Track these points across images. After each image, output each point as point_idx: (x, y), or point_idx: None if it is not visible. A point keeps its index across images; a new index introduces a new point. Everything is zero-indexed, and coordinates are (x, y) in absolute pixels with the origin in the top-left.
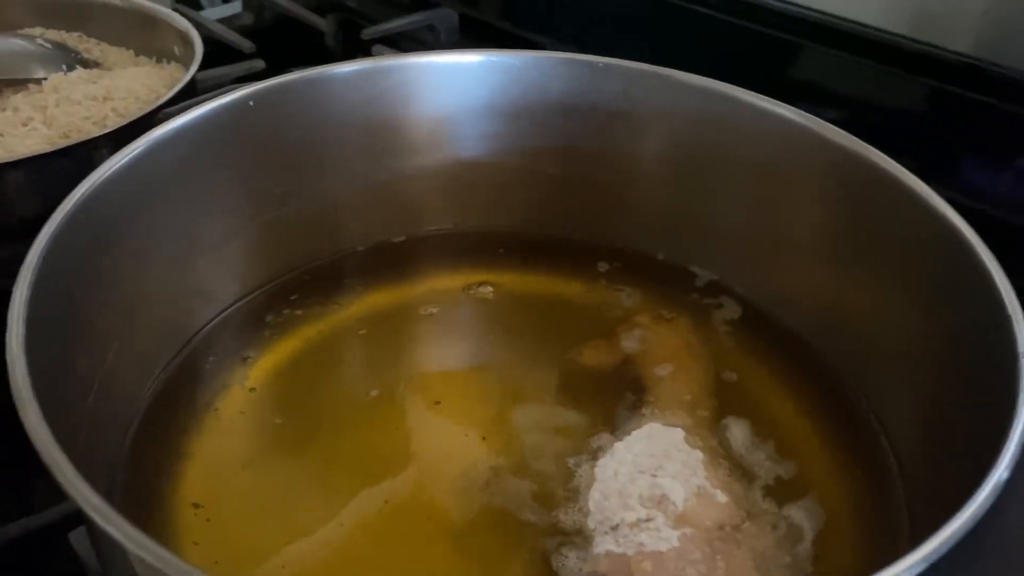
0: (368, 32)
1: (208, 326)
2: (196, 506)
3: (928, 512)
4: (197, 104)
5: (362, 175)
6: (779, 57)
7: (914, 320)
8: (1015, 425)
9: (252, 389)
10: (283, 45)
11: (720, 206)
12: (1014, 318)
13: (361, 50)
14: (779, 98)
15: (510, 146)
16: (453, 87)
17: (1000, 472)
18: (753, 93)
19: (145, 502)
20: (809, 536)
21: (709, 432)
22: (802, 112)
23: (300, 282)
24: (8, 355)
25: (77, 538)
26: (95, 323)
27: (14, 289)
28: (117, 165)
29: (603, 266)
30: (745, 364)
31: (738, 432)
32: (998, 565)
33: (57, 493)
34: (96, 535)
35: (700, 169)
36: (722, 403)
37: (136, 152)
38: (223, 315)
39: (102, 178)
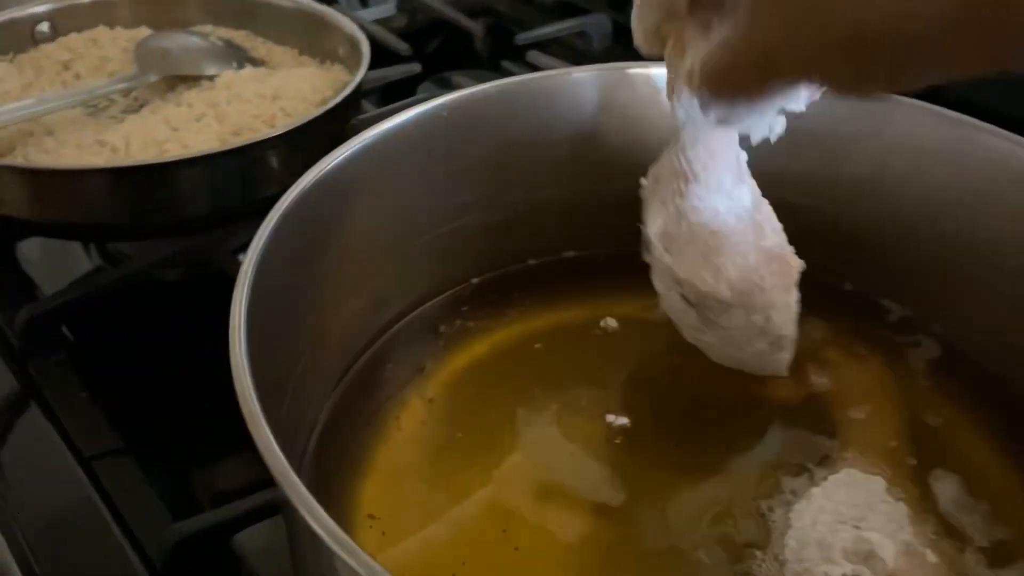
0: (522, 37)
1: (386, 335)
2: (372, 517)
3: None
4: (395, 112)
5: (541, 188)
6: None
7: None
8: None
9: (431, 400)
10: (435, 47)
11: (923, 238)
12: None
13: (512, 55)
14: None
15: None
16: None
17: None
18: (975, 121)
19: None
20: None
21: (912, 483)
22: (1012, 135)
23: (472, 293)
24: (232, 360)
25: (243, 540)
26: (295, 326)
27: (234, 290)
28: (326, 168)
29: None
30: (947, 411)
31: (947, 487)
32: None
33: (219, 496)
34: (295, 529)
35: (905, 197)
36: (926, 453)
37: (344, 156)
38: (400, 324)
39: (313, 179)
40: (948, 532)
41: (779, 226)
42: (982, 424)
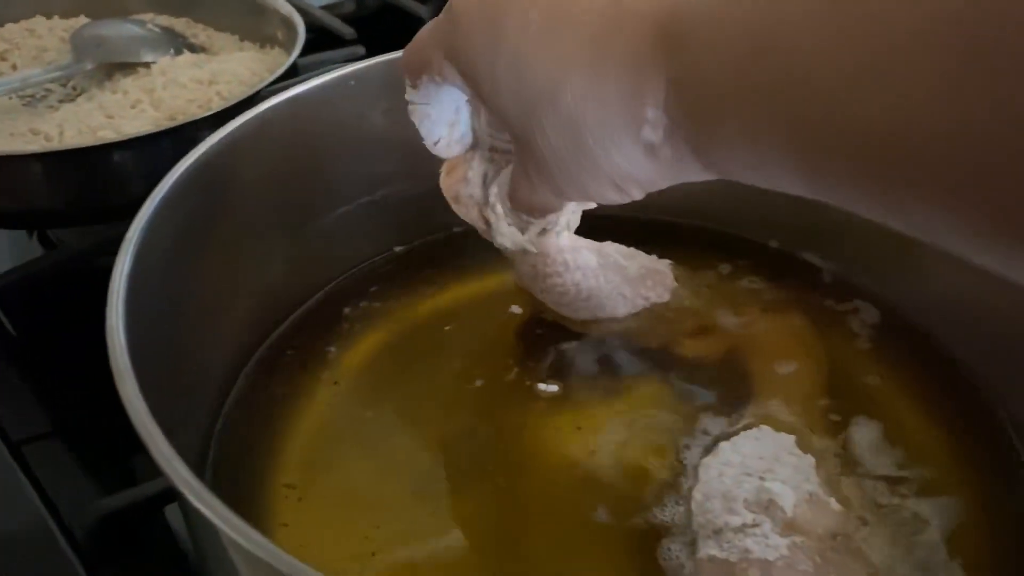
0: None
1: (291, 318)
2: (288, 486)
3: None
4: (298, 83)
5: None
6: None
7: None
8: None
9: (336, 383)
10: (384, 32)
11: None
12: None
13: None
14: None
15: None
16: None
17: None
18: None
19: (236, 480)
20: (933, 547)
21: (825, 435)
22: None
23: (391, 266)
24: (108, 326)
25: (172, 513)
26: (193, 302)
27: (115, 261)
28: (215, 142)
29: (713, 253)
30: (868, 362)
31: (864, 435)
32: None
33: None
34: (187, 511)
35: None
36: (847, 404)
37: (234, 130)
38: (306, 306)
39: (202, 155)
40: (861, 481)
41: (628, 249)
42: (905, 377)
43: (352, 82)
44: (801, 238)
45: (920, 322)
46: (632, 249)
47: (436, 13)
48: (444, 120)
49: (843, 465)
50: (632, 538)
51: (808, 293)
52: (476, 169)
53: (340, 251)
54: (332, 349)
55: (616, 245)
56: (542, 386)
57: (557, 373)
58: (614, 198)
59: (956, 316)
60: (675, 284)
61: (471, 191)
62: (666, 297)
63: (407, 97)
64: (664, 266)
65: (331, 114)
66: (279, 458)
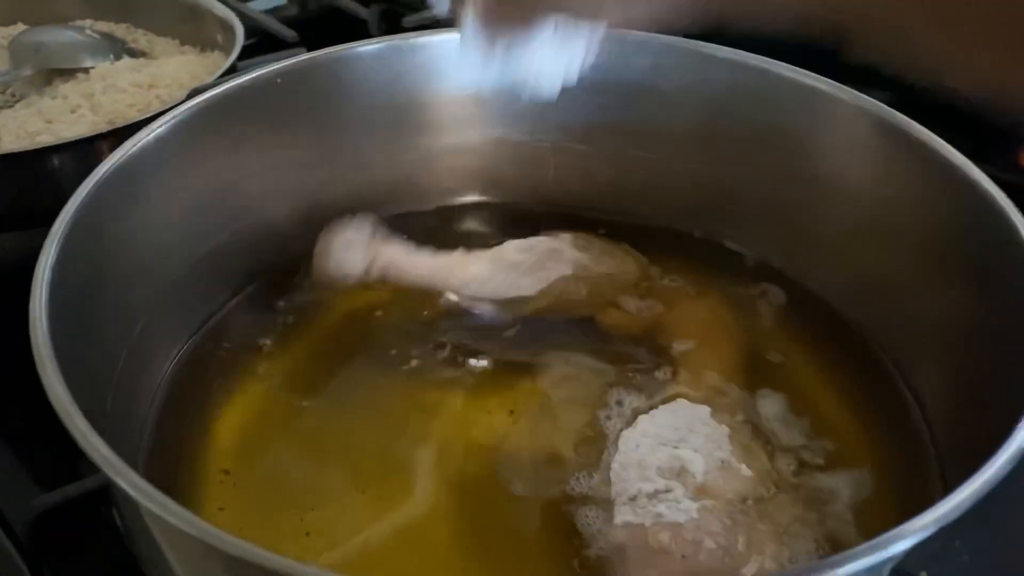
0: (408, 20)
1: (230, 304)
2: (225, 472)
3: (958, 474)
4: (224, 81)
5: (387, 151)
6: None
7: (955, 294)
8: None
9: (270, 374)
10: (327, 35)
11: (756, 182)
12: None
13: None
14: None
15: (535, 123)
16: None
17: (1022, 437)
18: (785, 65)
19: (173, 467)
20: (837, 508)
21: (738, 407)
22: (835, 83)
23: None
24: (31, 314)
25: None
26: (122, 296)
27: (40, 254)
28: (143, 140)
29: (634, 241)
30: (782, 340)
31: (772, 406)
32: (1015, 534)
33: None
34: (117, 498)
35: (734, 144)
36: (757, 378)
37: (163, 127)
38: (246, 292)
39: (128, 153)
40: (771, 449)
41: (526, 241)
42: (813, 351)
43: (279, 80)
44: (721, 226)
45: (828, 301)
46: (531, 239)
47: (381, 17)
48: None
49: (754, 436)
50: (554, 509)
51: (727, 276)
52: None
53: (269, 243)
54: (267, 342)
55: (516, 242)
56: (473, 361)
57: (483, 352)
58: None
59: (862, 295)
60: (578, 254)
61: None
62: (567, 271)
63: None
64: (563, 242)
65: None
66: (215, 446)
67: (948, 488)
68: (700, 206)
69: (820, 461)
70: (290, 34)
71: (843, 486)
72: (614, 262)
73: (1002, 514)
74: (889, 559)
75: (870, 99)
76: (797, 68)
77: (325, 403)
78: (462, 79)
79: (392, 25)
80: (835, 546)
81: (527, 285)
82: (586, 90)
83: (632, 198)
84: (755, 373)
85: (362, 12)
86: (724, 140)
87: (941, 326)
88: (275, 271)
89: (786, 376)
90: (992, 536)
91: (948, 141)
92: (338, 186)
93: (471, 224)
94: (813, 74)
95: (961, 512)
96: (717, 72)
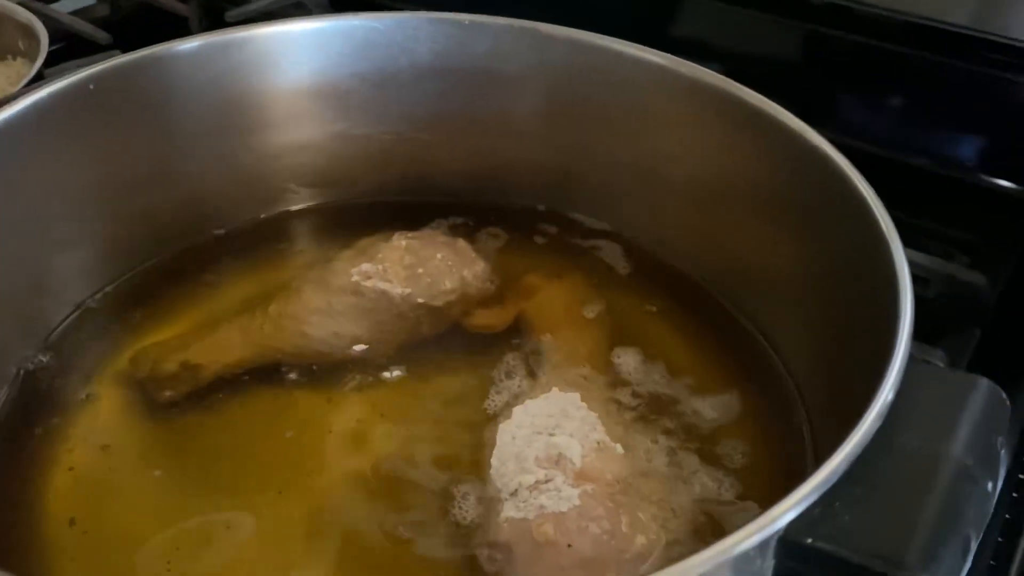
0: (232, 15)
1: (65, 322)
2: (72, 522)
3: (827, 430)
4: (31, 91)
5: (221, 155)
6: (659, 14)
7: (799, 253)
8: (897, 348)
9: (97, 398)
10: (144, 35)
11: (601, 156)
12: (892, 245)
13: None
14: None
15: (378, 114)
16: (311, 56)
17: (886, 394)
18: (621, 41)
19: (8, 522)
20: (718, 476)
21: (605, 385)
22: (671, 56)
23: (163, 271)
24: None
25: None
26: None
27: None
28: None
29: (488, 228)
30: (641, 310)
31: (645, 375)
32: (889, 487)
33: None
34: None
35: (576, 121)
36: (624, 350)
37: None
38: (81, 310)
39: None
40: (644, 423)
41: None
42: (672, 318)
43: (91, 86)
44: (571, 202)
45: (679, 266)
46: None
47: (199, 12)
48: None
49: (622, 410)
50: (439, 515)
51: (580, 252)
52: None
53: (98, 274)
54: (100, 375)
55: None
56: (336, 378)
57: (358, 369)
58: None
59: (713, 258)
60: (405, 290)
61: None
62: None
63: None
64: (391, 283)
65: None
66: (54, 492)
67: (816, 439)
68: (550, 184)
69: (693, 430)
70: (103, 36)
71: (713, 451)
72: (453, 279)
73: (874, 470)
74: (776, 532)
75: (707, 70)
76: (635, 44)
77: (177, 436)
78: (295, 72)
79: (215, 21)
80: (716, 511)
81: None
82: (427, 78)
83: (481, 182)
84: (625, 343)
85: (180, 8)
86: (567, 118)
87: (789, 280)
88: (108, 306)
89: (657, 346)
90: (867, 492)
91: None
92: (172, 199)
93: (319, 227)
94: (651, 49)
95: (838, 476)
96: (556, 51)
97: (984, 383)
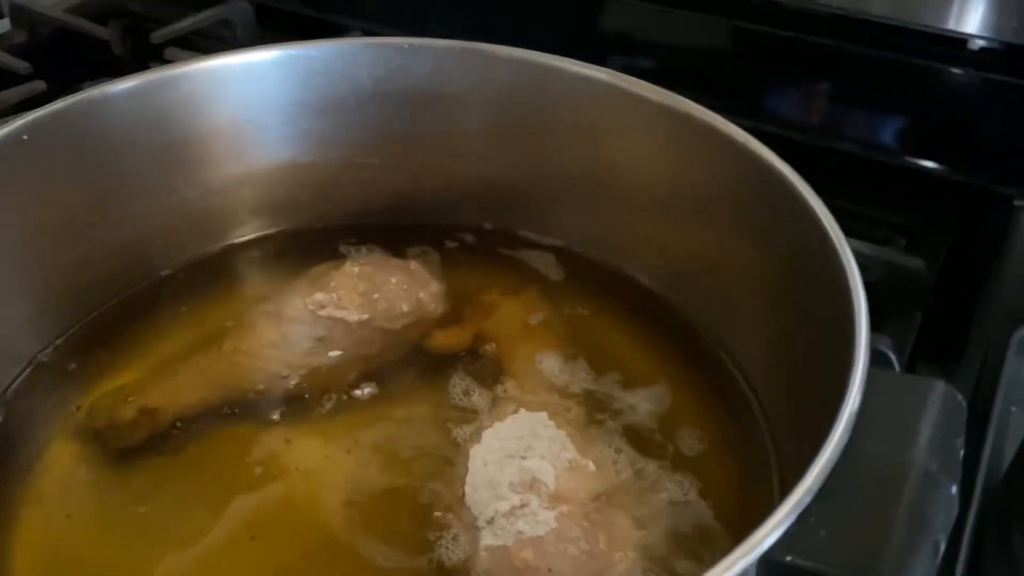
0: (157, 35)
1: (18, 379)
2: None
3: (791, 438)
4: None
5: (163, 193)
6: (587, 14)
7: (748, 260)
8: (857, 355)
9: (56, 455)
10: (66, 61)
11: (550, 173)
12: (839, 246)
13: (153, 56)
14: (595, 54)
15: (324, 142)
16: (251, 89)
17: (851, 403)
18: (565, 59)
19: None
20: (685, 481)
21: (571, 400)
22: (614, 72)
23: (113, 317)
24: None
25: None
26: None
27: None
28: None
29: (440, 248)
30: (596, 321)
31: (601, 386)
32: (859, 497)
33: None
34: None
35: (523, 139)
36: (579, 362)
37: None
38: (33, 365)
39: None
40: (613, 439)
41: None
42: (632, 331)
43: (25, 136)
44: (521, 220)
45: (635, 277)
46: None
47: (121, 34)
48: None
49: (590, 424)
50: (417, 547)
51: (532, 269)
52: None
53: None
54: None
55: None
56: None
57: (319, 400)
58: None
59: (668, 269)
60: (361, 316)
61: None
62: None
63: None
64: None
65: None
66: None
67: (779, 450)
68: (498, 202)
69: (659, 444)
70: (22, 66)
71: (682, 464)
72: (410, 301)
73: (846, 483)
74: (760, 554)
75: (651, 85)
76: (577, 61)
77: (138, 483)
78: (235, 105)
79: (139, 42)
80: (694, 522)
81: (318, 363)
82: (370, 103)
83: (431, 204)
84: (586, 358)
85: (101, 32)
86: (513, 136)
87: (745, 287)
88: (60, 358)
89: (616, 358)
90: (840, 505)
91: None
92: (116, 243)
93: (267, 258)
94: (594, 66)
95: (814, 493)
96: (500, 71)
97: (940, 386)
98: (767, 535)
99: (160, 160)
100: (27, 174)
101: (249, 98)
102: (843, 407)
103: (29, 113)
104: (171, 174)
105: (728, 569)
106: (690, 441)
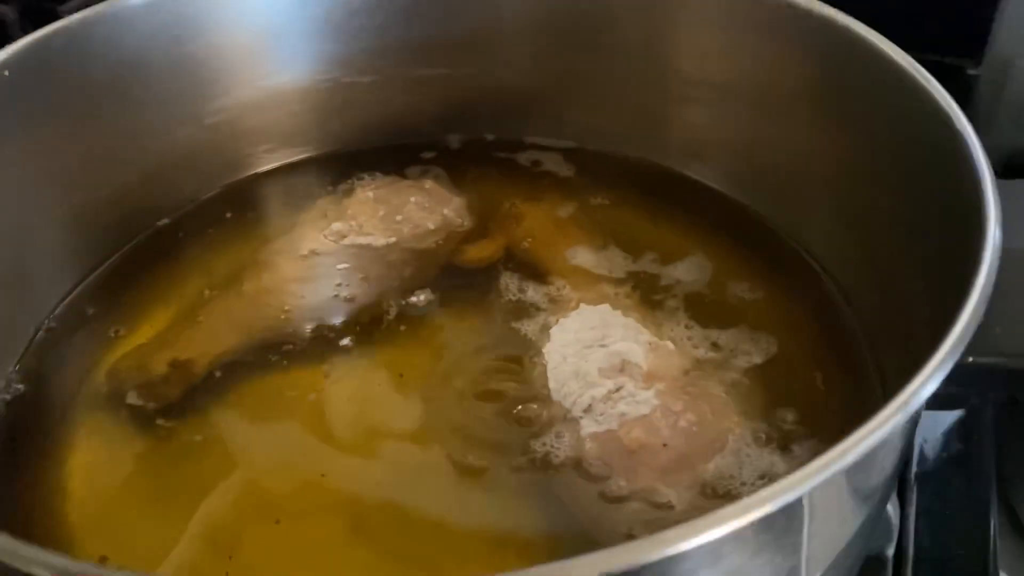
0: (65, 8)
1: (44, 325)
2: (103, 559)
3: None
4: None
5: (180, 122)
6: None
7: (830, 143)
8: (987, 250)
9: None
10: None
11: (600, 66)
12: (970, 144)
13: None
14: None
15: (317, 62)
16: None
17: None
18: None
19: None
20: (760, 339)
21: (623, 287)
22: None
23: (118, 272)
24: None
25: None
26: None
27: None
28: None
29: (451, 163)
30: (618, 214)
31: (652, 269)
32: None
33: None
34: None
35: (574, 33)
36: (620, 249)
37: None
38: (62, 306)
39: None
40: (672, 321)
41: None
42: (697, 230)
43: (6, 72)
44: (522, 126)
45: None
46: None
47: (22, 13)
48: None
49: (655, 309)
50: (513, 455)
51: (546, 169)
52: None
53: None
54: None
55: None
56: (346, 341)
57: (357, 331)
58: None
59: (739, 168)
60: (388, 240)
61: None
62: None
63: None
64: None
65: None
66: (76, 527)
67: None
68: (504, 112)
69: (730, 321)
70: None
71: (761, 338)
72: (435, 219)
73: (1002, 283)
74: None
75: None
76: None
77: (174, 446)
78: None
79: (43, 19)
80: (783, 377)
81: (348, 293)
82: (358, 14)
83: (435, 118)
84: (618, 246)
85: (3, 11)
86: (560, 35)
87: (825, 179)
88: (69, 321)
89: (642, 239)
90: (1008, 304)
91: None
92: (111, 192)
93: (273, 194)
94: None
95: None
96: None
97: None
98: (923, 387)
99: (167, 87)
100: (20, 112)
101: (258, 15)
102: (986, 239)
103: (7, 46)
104: (179, 101)
105: (883, 424)
106: (743, 294)
